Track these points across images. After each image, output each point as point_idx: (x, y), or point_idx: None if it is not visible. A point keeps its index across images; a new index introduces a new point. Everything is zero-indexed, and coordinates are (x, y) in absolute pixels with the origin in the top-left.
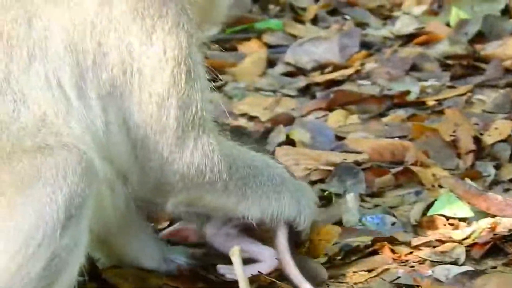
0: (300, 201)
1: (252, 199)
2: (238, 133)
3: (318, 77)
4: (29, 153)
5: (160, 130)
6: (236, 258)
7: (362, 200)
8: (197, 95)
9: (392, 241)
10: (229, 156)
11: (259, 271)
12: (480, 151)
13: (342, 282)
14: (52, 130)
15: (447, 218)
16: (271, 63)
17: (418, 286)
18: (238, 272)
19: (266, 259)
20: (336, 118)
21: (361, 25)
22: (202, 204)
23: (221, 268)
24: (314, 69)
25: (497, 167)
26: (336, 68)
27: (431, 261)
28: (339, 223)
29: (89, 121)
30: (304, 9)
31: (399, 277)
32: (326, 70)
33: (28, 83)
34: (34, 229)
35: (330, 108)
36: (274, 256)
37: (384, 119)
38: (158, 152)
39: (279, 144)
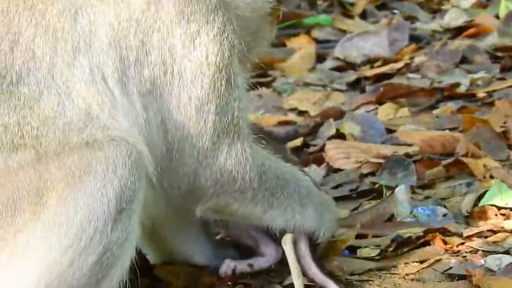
0: (323, 215)
1: (278, 210)
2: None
3: (367, 71)
4: (77, 148)
5: (197, 133)
6: (288, 246)
7: (413, 192)
8: (234, 103)
9: (444, 232)
10: (261, 166)
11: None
12: None
13: (394, 274)
14: (99, 125)
15: (499, 208)
16: (320, 58)
17: (470, 276)
18: (290, 260)
19: (268, 253)
20: (386, 111)
21: (410, 18)
22: (229, 212)
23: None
24: (363, 63)
25: None
26: (386, 62)
27: (483, 251)
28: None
29: (134, 116)
30: (352, 4)
31: (451, 267)
32: (376, 64)
33: (73, 76)
34: (86, 223)
35: (380, 102)
36: (276, 252)
37: (435, 112)
38: (193, 157)
39: (329, 138)
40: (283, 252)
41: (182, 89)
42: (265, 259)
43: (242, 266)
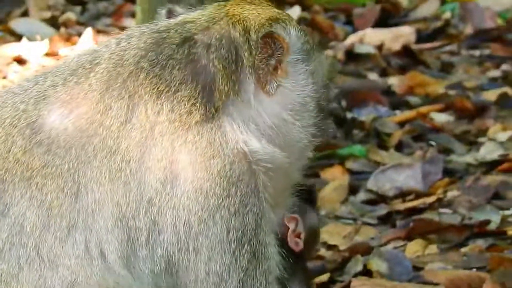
0: None
1: None
2: None
3: (399, 205)
4: None
5: None
6: None
7: None
8: (261, 277)
9: None
10: None
11: None
12: None
13: None
14: None
15: None
16: (353, 190)
17: None
18: None
19: None
20: (414, 248)
21: (446, 151)
22: None
23: None
24: (395, 197)
25: None
26: (418, 196)
27: None
28: None
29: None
30: (389, 135)
31: None
32: (408, 197)
33: (63, 252)
34: None
35: (409, 237)
36: None
37: (463, 249)
38: None
39: (355, 275)
40: None
41: (199, 266)
42: None
43: None
